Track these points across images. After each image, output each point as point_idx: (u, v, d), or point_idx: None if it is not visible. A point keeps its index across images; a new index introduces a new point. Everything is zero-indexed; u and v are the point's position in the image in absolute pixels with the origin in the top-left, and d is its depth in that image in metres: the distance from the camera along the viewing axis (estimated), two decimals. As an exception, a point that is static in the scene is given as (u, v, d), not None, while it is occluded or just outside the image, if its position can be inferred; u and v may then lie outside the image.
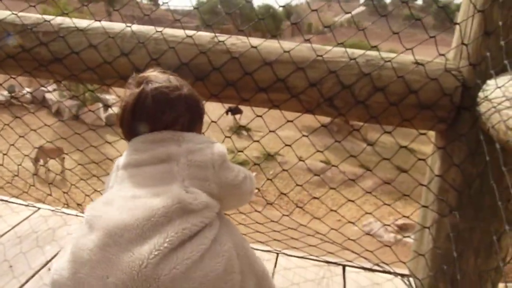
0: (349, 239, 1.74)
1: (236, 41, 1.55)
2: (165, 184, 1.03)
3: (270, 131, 1.70)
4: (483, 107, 1.38)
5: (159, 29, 1.58)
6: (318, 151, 1.71)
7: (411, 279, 1.76)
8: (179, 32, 1.57)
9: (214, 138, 1.22)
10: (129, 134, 1.16)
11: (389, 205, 1.71)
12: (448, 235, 1.56)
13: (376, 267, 1.83)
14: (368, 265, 1.84)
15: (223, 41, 1.54)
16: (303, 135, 1.79)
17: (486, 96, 1.37)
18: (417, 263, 1.74)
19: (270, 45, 1.55)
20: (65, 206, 2.36)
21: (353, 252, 1.85)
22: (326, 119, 11.92)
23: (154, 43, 1.55)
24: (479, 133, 1.42)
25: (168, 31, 1.58)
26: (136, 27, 1.59)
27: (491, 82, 1.39)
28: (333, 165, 1.75)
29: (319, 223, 1.91)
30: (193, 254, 0.92)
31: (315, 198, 1.68)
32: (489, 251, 1.53)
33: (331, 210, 1.79)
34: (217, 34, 1.57)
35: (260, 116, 1.65)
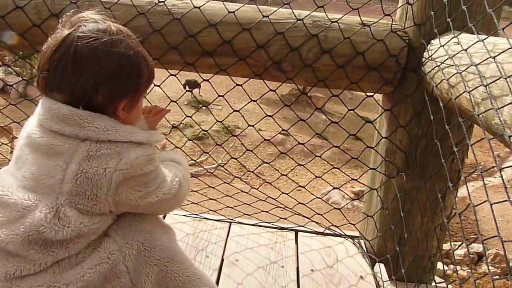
0: (299, 203, 1.74)
1: (177, 2, 1.47)
2: (41, 192, 0.90)
3: (234, 110, 1.65)
4: (427, 67, 1.39)
5: (94, -11, 1.46)
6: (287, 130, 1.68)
7: (361, 240, 1.79)
8: (116, -8, 1.47)
9: (145, 132, 0.99)
10: (42, 87, 0.93)
11: (338, 168, 1.71)
12: (395, 196, 1.59)
13: (328, 231, 1.85)
14: (320, 229, 1.86)
15: (163, 2, 1.45)
16: (267, 115, 1.73)
17: (430, 56, 1.37)
18: (367, 225, 1.77)
19: (214, 6, 1.48)
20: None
21: (304, 216, 1.86)
22: (284, 91, 11.93)
23: (88, 4, 1.44)
24: (424, 93, 1.43)
25: (104, -9, 1.47)
26: (67, -13, 1.47)
27: (435, 42, 1.39)
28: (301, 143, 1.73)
29: (280, 193, 1.90)
30: None
31: (281, 173, 1.66)
32: (435, 210, 1.57)
33: (282, 175, 1.77)
34: (156, -6, 1.47)
35: (223, 97, 1.60)
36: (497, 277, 2.07)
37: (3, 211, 0.91)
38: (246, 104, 1.99)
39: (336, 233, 1.85)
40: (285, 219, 1.88)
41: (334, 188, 1.77)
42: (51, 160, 0.90)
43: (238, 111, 1.65)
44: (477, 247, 6.46)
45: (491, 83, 0.99)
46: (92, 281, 0.91)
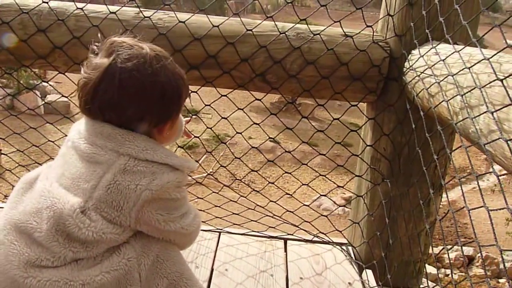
0: (287, 211, 1.76)
1: (163, 16, 1.49)
2: (74, 192, 0.94)
3: (222, 118, 1.67)
4: (408, 77, 1.43)
5: (80, 5, 1.48)
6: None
7: (349, 247, 1.81)
8: (102, 8, 1.49)
9: (180, 157, 1.01)
10: (85, 111, 0.97)
11: (324, 176, 1.74)
12: (381, 203, 1.62)
13: (316, 239, 1.87)
14: (309, 237, 1.88)
15: (149, 17, 1.47)
16: (254, 123, 1.75)
17: (411, 66, 1.41)
18: (354, 232, 1.80)
19: (198, 19, 1.51)
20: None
21: (293, 225, 1.88)
22: (273, 98, 11.99)
23: (75, 20, 1.46)
24: (406, 102, 1.47)
25: (90, 7, 1.49)
26: (54, 3, 1.49)
27: (415, 52, 1.43)
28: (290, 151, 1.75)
29: (268, 201, 1.91)
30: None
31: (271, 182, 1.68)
32: (419, 216, 1.60)
33: (270, 183, 1.80)
34: (142, 9, 1.50)
35: (210, 106, 1.62)
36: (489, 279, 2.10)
37: (37, 199, 0.95)
38: (233, 112, 2.01)
39: (325, 240, 1.87)
40: (274, 227, 1.90)
41: (322, 195, 1.80)
42: (91, 166, 0.94)
43: (226, 118, 1.67)
44: (467, 250, 6.53)
45: (467, 92, 1.03)
46: (106, 284, 0.93)
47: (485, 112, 0.93)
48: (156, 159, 0.95)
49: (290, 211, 1.79)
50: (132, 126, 0.96)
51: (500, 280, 6.18)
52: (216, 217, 1.93)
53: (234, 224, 1.93)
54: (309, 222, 1.84)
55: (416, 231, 1.60)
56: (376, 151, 1.61)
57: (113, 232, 0.94)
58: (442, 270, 6.06)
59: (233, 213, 1.89)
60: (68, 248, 0.92)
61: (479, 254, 6.35)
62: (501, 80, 0.88)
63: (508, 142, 0.83)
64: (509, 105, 0.84)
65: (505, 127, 0.86)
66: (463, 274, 5.90)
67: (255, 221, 1.87)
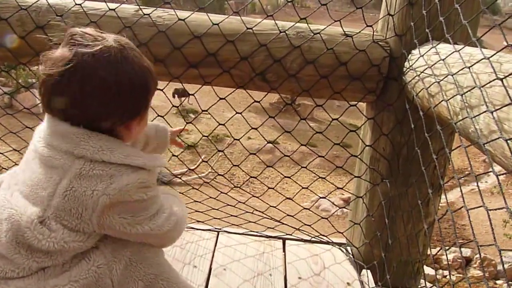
0: (288, 215, 1.75)
1: (162, 14, 1.49)
2: (32, 201, 0.90)
3: (220, 124, 1.66)
4: (408, 77, 1.42)
5: (79, 1, 1.48)
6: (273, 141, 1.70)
7: (348, 247, 1.81)
8: (101, 5, 1.48)
9: (145, 156, 0.94)
10: (47, 109, 0.91)
11: (323, 178, 1.73)
12: (380, 203, 1.61)
13: (315, 239, 1.86)
14: (307, 237, 1.87)
15: (148, 14, 1.47)
16: (252, 128, 1.73)
17: (411, 66, 1.40)
18: (353, 232, 1.79)
19: (198, 17, 1.50)
20: None
21: (292, 227, 1.88)
22: (272, 99, 11.97)
23: (74, 17, 1.46)
24: (405, 102, 1.46)
25: (89, 4, 1.49)
26: (53, 0, 1.48)
27: (415, 52, 1.42)
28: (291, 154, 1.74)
29: (270, 201, 1.91)
30: None
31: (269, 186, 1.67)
32: (418, 216, 1.60)
33: (270, 188, 1.79)
34: (141, 7, 1.49)
35: (207, 111, 1.61)
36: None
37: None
38: (233, 116, 2.01)
39: (324, 240, 1.86)
40: (273, 228, 1.89)
41: (321, 197, 1.79)
42: (48, 172, 0.90)
43: (224, 124, 1.66)
44: (465, 251, 6.53)
45: (466, 92, 1.02)
46: None
47: (485, 112, 0.93)
48: (114, 160, 0.89)
49: (290, 215, 1.79)
50: (97, 123, 0.89)
51: (498, 282, 6.19)
52: (214, 218, 1.93)
53: (233, 224, 1.92)
54: (309, 225, 1.83)
55: (414, 232, 1.60)
56: (375, 151, 1.60)
57: (77, 240, 0.90)
58: (440, 271, 6.07)
59: (232, 215, 1.88)
60: (32, 259, 0.88)
61: (477, 256, 6.36)
62: (501, 80, 0.87)
63: (508, 141, 0.83)
64: (509, 104, 0.84)
65: (505, 127, 0.86)
66: (461, 275, 5.90)
67: (254, 222, 1.86)
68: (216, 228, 1.88)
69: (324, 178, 1.72)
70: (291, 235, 1.88)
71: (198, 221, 1.95)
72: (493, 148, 0.90)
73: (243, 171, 2.35)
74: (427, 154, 1.40)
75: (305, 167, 1.85)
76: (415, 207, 1.53)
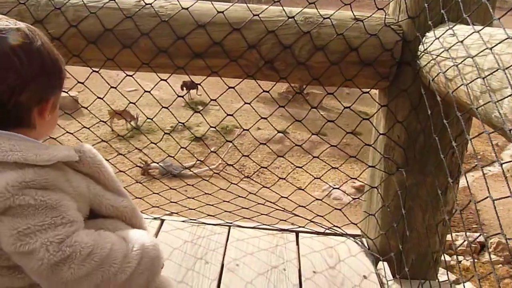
0: (299, 206, 1.71)
1: (164, 3, 1.44)
2: None
3: (228, 115, 1.62)
4: (423, 61, 1.36)
5: (79, -6, 1.43)
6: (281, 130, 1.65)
7: (363, 239, 1.76)
8: (102, -3, 1.43)
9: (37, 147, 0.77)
10: None
11: (336, 168, 1.68)
12: (396, 193, 1.56)
13: (329, 231, 1.82)
14: (321, 229, 1.83)
15: (150, 4, 1.42)
16: (262, 118, 1.68)
17: (426, 49, 1.34)
18: (368, 223, 1.74)
19: (202, 6, 1.45)
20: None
21: (305, 218, 1.83)
22: (281, 88, 11.88)
23: (73, 9, 1.41)
24: (420, 87, 1.40)
25: (89, -4, 1.44)
26: (52, -7, 1.43)
27: (430, 34, 1.35)
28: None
29: (281, 191, 1.87)
30: None
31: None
32: (436, 205, 1.54)
33: (281, 178, 1.74)
34: (143, -3, 1.44)
35: (215, 100, 1.57)
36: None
37: None
38: (242, 106, 1.96)
39: (338, 232, 1.82)
40: (285, 220, 1.85)
41: (334, 187, 1.74)
42: None
43: (232, 115, 1.62)
44: (479, 237, 6.45)
45: (488, 75, 0.96)
46: None
47: (510, 96, 0.87)
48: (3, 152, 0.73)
49: (302, 206, 1.74)
50: (8, 102, 0.75)
51: (514, 266, 6.10)
52: (225, 211, 1.89)
53: (244, 218, 1.88)
54: (322, 216, 1.79)
55: (433, 221, 1.54)
56: (389, 139, 1.55)
57: None
58: (454, 257, 6.00)
59: (243, 207, 1.84)
60: None
61: (491, 240, 6.28)
62: (528, 60, 0.81)
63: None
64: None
65: (534, 111, 0.80)
66: (476, 260, 5.83)
67: (266, 214, 1.82)
68: (227, 222, 1.84)
69: (337, 168, 1.67)
70: (304, 227, 1.84)
71: (209, 215, 1.92)
72: (520, 134, 0.84)
73: (253, 161, 2.31)
74: (444, 141, 1.34)
75: (317, 157, 1.80)
76: (434, 196, 1.47)
